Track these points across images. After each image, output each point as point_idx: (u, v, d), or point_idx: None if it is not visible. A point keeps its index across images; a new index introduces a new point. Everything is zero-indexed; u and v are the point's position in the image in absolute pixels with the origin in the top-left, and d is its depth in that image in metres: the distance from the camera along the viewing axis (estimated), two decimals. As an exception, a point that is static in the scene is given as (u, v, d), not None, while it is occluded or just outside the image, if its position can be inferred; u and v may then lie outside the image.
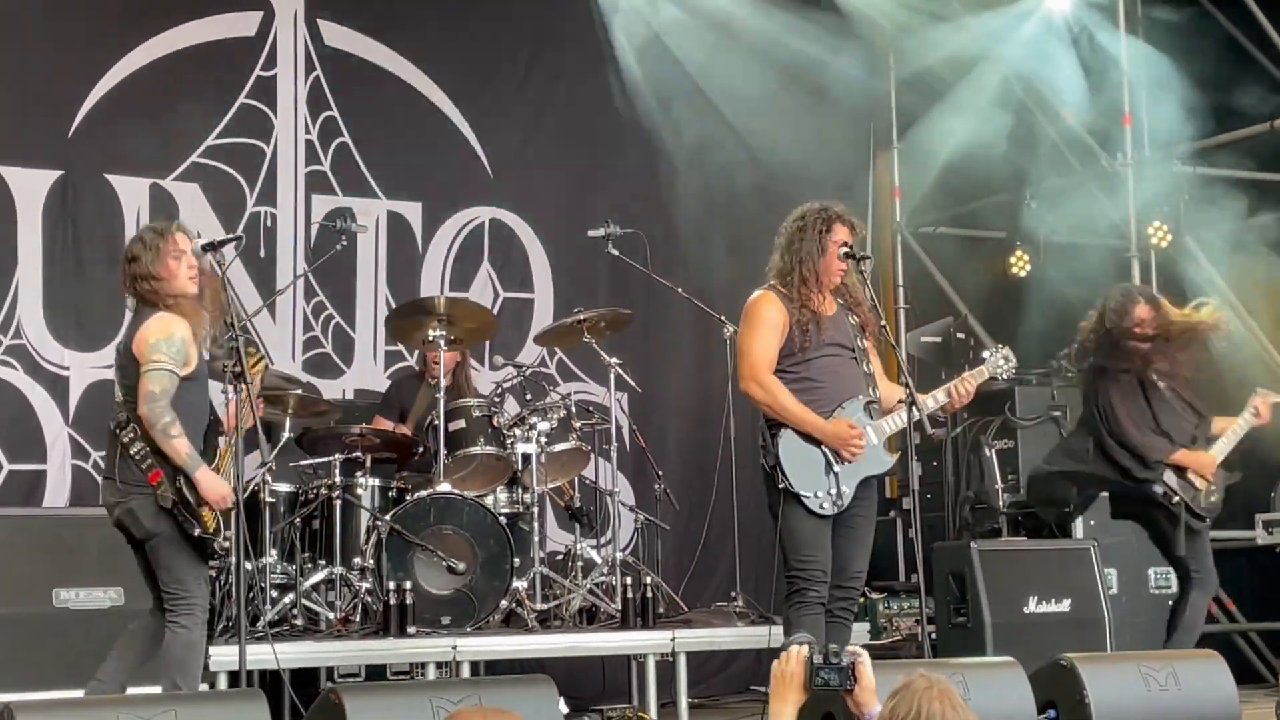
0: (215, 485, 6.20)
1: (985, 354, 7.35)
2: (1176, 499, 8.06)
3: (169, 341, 6.19)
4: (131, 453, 6.19)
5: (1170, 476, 8.09)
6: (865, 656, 4.18)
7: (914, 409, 6.71)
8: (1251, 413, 8.23)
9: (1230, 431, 8.18)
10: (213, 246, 6.08)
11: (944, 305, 11.90)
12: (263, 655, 6.95)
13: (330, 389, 9.89)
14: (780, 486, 6.73)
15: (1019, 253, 11.53)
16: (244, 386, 6.02)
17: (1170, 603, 9.26)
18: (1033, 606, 8.36)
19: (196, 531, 6.18)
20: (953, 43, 11.54)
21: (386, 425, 9.04)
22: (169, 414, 6.14)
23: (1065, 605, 8.42)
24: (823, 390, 6.81)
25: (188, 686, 6.20)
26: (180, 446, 6.14)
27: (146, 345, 6.20)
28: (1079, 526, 9.55)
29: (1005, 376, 7.44)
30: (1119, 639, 8.58)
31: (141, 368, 6.19)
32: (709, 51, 11.16)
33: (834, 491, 6.74)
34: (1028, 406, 10.55)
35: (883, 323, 7.00)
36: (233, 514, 6.22)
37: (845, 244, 6.85)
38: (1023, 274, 11.53)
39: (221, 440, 6.48)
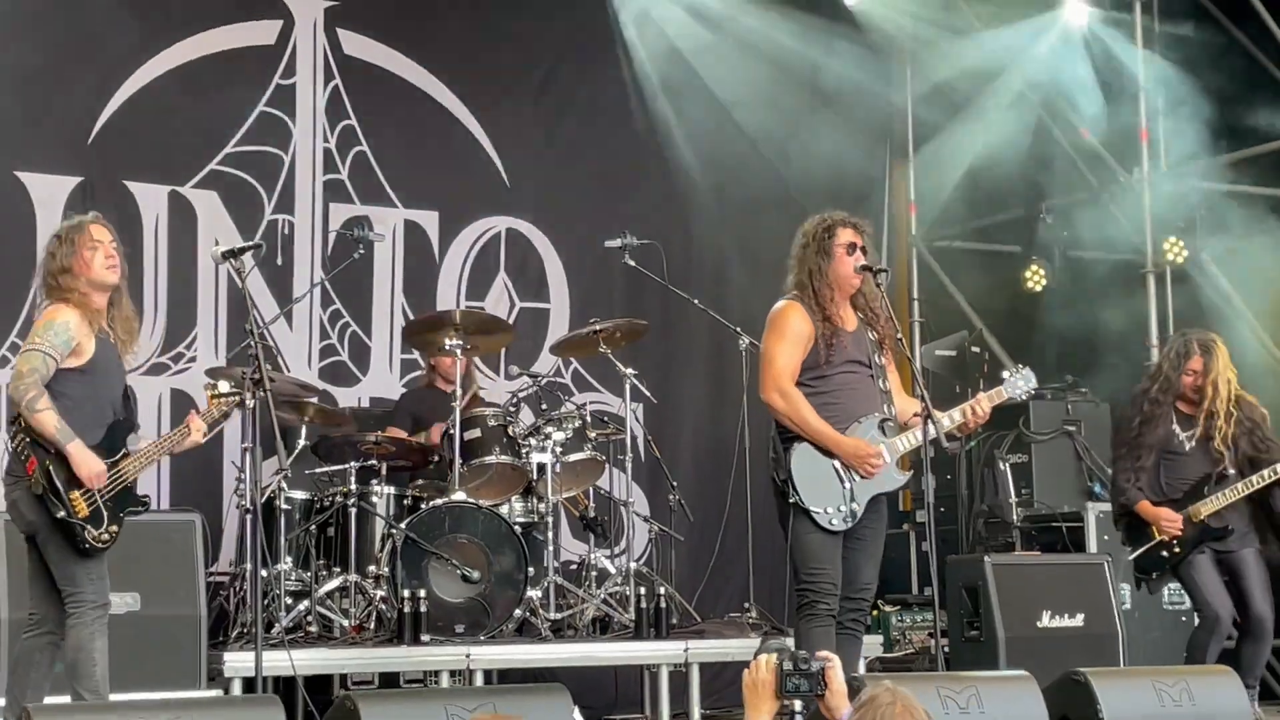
0: (88, 460, 6.08)
1: (1005, 374, 7.29)
2: (1128, 548, 8.16)
3: (49, 325, 6.16)
4: (14, 446, 6.18)
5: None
6: (836, 662, 4.21)
7: (930, 423, 6.71)
8: (1267, 475, 8.05)
9: (1254, 477, 8.05)
10: (233, 254, 6.08)
11: (959, 319, 11.91)
12: (278, 662, 6.97)
13: (346, 397, 9.93)
14: (791, 501, 6.74)
15: (1034, 267, 11.54)
16: (263, 393, 5.95)
17: (1183, 618, 9.29)
18: (1046, 621, 8.36)
19: (60, 514, 6.04)
20: (970, 56, 11.56)
21: (399, 435, 9.08)
22: (34, 390, 6.06)
23: (1079, 620, 8.43)
24: (840, 406, 6.81)
25: (87, 692, 6.09)
26: (47, 420, 6.05)
27: (31, 332, 6.23)
28: (1092, 541, 9.56)
29: (1024, 398, 7.40)
30: (1132, 655, 8.58)
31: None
32: (726, 63, 11.18)
33: (844, 508, 6.74)
34: (1042, 421, 10.55)
35: (899, 335, 7.01)
36: (250, 521, 6.13)
37: (852, 244, 6.86)
38: (1038, 288, 11.53)
39: (137, 442, 6.37)
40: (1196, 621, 8.22)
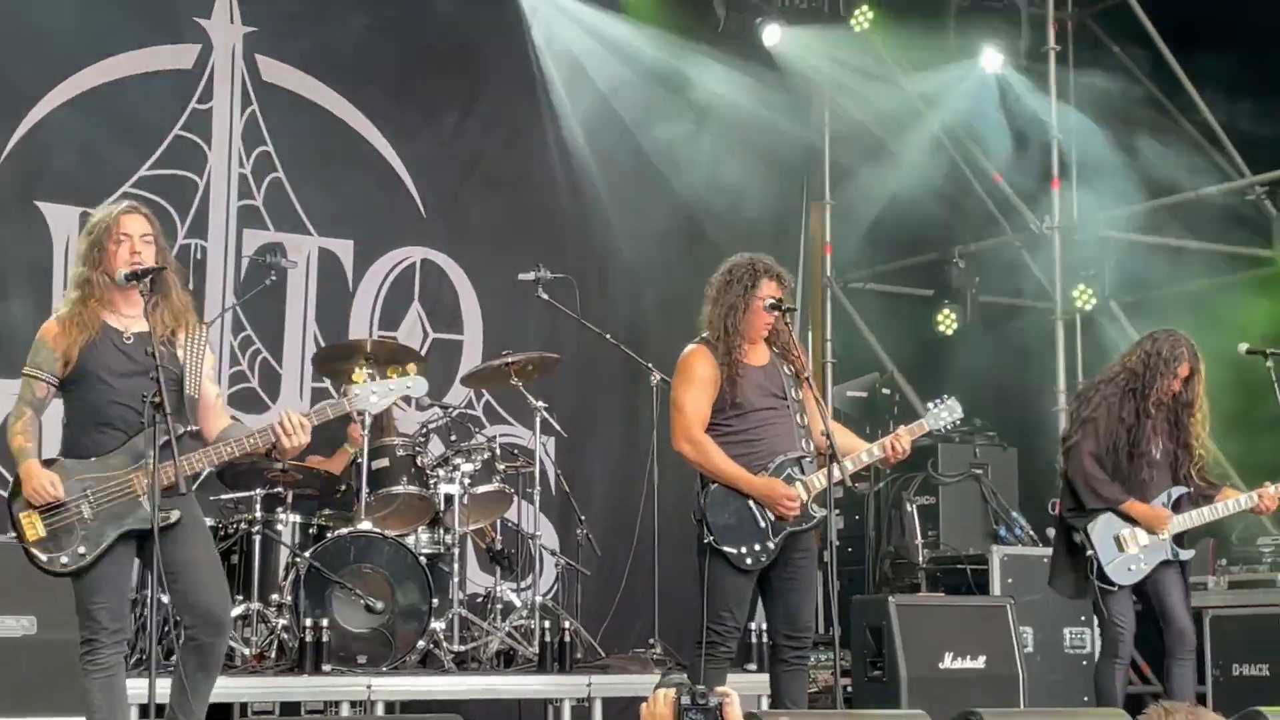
0: (29, 477, 5.78)
1: (929, 405, 7.25)
2: (1089, 552, 7.88)
3: (33, 345, 6.00)
4: None
5: (1099, 527, 7.86)
6: (734, 697, 4.22)
7: (835, 465, 6.72)
8: (1250, 498, 7.90)
9: (1220, 505, 7.90)
10: (137, 276, 5.99)
11: (871, 360, 11.99)
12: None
13: (255, 424, 9.84)
14: (705, 542, 6.76)
15: (946, 310, 11.64)
16: (164, 418, 5.78)
17: (1084, 662, 9.36)
18: (948, 662, 8.39)
19: (9, 535, 5.87)
20: (887, 100, 11.69)
21: (314, 460, 9.03)
22: (12, 413, 5.94)
23: (980, 662, 8.46)
24: (760, 444, 6.82)
25: None
26: (11, 444, 5.87)
27: None
28: (996, 584, 9.63)
29: (948, 429, 7.36)
30: (1033, 697, 8.63)
31: None
32: (645, 101, 11.24)
33: (759, 547, 6.76)
34: (949, 464, 10.64)
35: (807, 374, 7.02)
36: (154, 546, 5.81)
37: (771, 298, 6.87)
38: (949, 332, 11.63)
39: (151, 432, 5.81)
40: (1100, 646, 8.18)
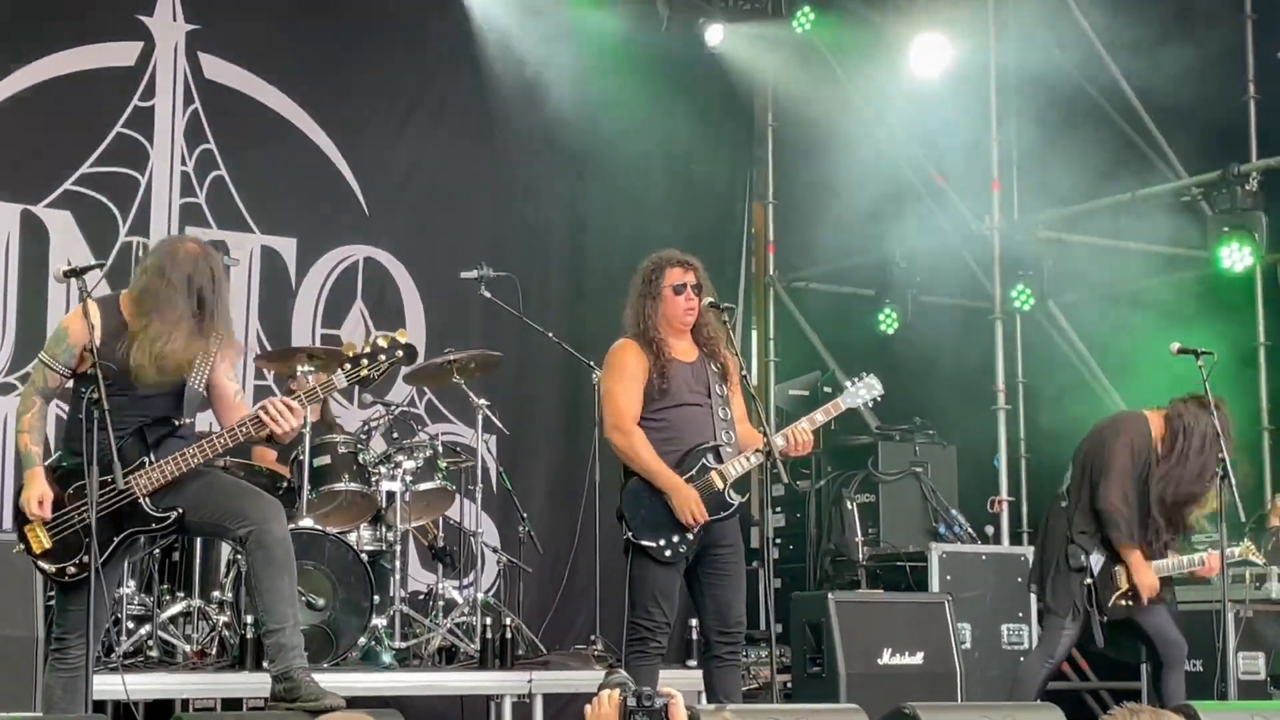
0: (27, 487, 5.79)
1: (847, 384, 7.32)
2: (1088, 581, 7.85)
3: (55, 332, 5.99)
4: None
5: (1096, 558, 7.87)
6: (679, 698, 4.25)
7: (771, 460, 6.78)
8: (1198, 561, 7.94)
9: (1174, 564, 7.91)
10: (75, 273, 5.98)
11: (814, 359, 12.06)
12: (113, 686, 6.90)
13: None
14: (625, 536, 6.83)
15: (887, 310, 11.71)
16: (102, 413, 5.78)
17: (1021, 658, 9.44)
18: (887, 658, 8.44)
19: (16, 549, 5.87)
20: (830, 101, 11.75)
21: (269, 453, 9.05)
22: (24, 402, 5.88)
23: (918, 658, 8.51)
24: (683, 439, 6.90)
25: None
26: (18, 441, 5.87)
27: None
28: (935, 581, 9.71)
29: (869, 405, 7.39)
30: (970, 693, 8.68)
31: None
32: (587, 102, 11.26)
33: (677, 538, 6.80)
34: (890, 462, 10.72)
35: (744, 372, 7.08)
36: (88, 543, 5.77)
37: (680, 284, 6.95)
38: (890, 331, 11.71)
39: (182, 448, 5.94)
40: (1040, 642, 8.24)
